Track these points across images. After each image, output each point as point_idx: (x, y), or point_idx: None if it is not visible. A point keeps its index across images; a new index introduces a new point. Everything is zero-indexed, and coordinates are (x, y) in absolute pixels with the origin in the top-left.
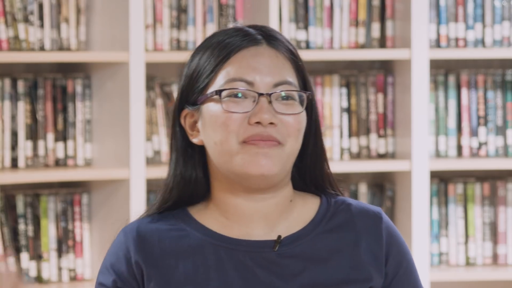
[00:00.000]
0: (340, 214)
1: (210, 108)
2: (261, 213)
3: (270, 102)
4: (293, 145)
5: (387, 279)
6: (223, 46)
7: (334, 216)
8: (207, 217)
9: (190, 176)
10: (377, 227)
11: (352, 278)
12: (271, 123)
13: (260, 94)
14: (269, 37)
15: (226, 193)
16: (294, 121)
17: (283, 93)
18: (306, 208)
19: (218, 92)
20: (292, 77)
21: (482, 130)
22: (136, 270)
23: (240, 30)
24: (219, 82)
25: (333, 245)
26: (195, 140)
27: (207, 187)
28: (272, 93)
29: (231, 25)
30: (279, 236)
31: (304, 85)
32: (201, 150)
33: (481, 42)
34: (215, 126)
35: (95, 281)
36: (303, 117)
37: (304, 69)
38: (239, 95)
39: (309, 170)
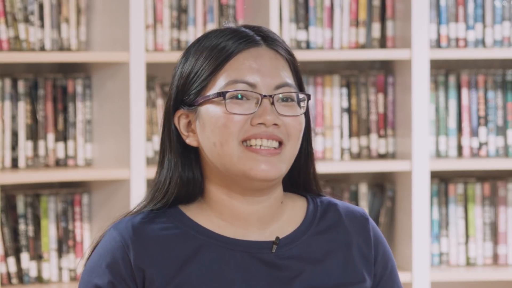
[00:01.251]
0: (329, 214)
1: (210, 109)
2: (256, 215)
3: (272, 103)
4: (294, 146)
5: (375, 280)
6: (222, 48)
7: (323, 216)
8: (202, 217)
9: (188, 177)
10: (365, 228)
11: (348, 281)
12: (275, 124)
13: (264, 96)
14: (267, 38)
15: (222, 195)
16: (295, 123)
17: (281, 95)
18: (296, 209)
19: (222, 94)
20: (290, 79)
21: (482, 130)
22: (137, 273)
23: (236, 31)
24: (219, 84)
25: (327, 247)
26: (189, 141)
27: (202, 187)
28: (275, 95)
29: (223, 25)
30: (277, 238)
31: (300, 86)
32: (195, 151)
33: (481, 42)
34: (215, 128)
35: (82, 278)
36: (302, 118)
37: (300, 70)
38: (240, 96)
39: (303, 170)
